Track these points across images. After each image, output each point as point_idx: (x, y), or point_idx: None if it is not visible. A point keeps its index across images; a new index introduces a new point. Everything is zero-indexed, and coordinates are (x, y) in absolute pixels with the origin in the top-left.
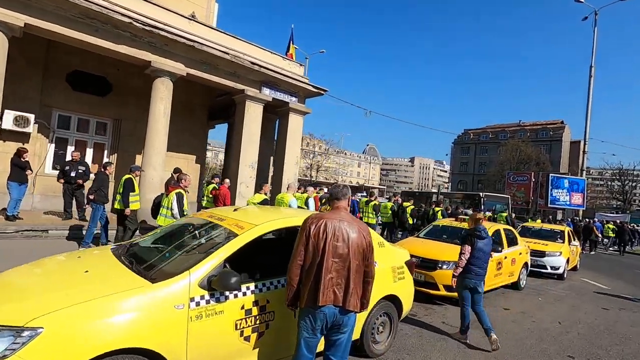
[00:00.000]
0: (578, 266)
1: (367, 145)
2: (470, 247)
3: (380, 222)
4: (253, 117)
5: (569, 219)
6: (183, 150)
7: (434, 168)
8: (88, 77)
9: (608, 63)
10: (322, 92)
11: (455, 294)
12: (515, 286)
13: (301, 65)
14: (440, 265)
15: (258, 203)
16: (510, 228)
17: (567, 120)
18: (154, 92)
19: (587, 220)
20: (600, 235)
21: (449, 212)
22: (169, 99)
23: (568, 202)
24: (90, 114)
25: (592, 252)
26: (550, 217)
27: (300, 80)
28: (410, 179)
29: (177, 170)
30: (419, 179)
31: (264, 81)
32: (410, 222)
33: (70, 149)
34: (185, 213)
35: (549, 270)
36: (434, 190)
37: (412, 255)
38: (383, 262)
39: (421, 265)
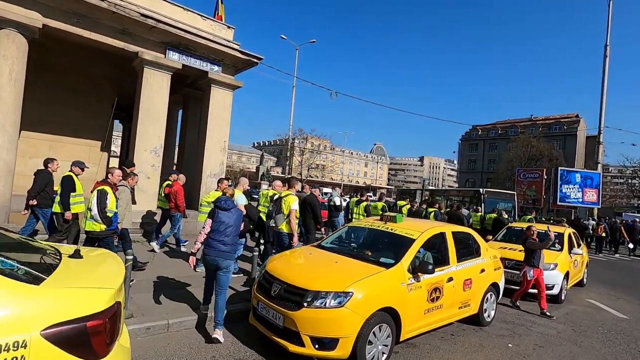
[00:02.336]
0: (585, 280)
1: (375, 144)
2: (211, 220)
3: None
4: (155, 88)
5: (604, 219)
6: (82, 134)
7: (444, 167)
8: None
9: (624, 43)
10: (253, 60)
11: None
12: (476, 321)
13: (230, 27)
14: (309, 299)
15: (212, 202)
16: (468, 231)
17: (583, 115)
18: None
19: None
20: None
21: (442, 210)
22: (19, 59)
23: (580, 199)
24: None
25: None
26: (572, 216)
27: (226, 45)
28: (420, 178)
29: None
30: (428, 178)
31: (171, 43)
32: None
33: None
34: (109, 214)
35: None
36: (426, 188)
37: (274, 278)
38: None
39: (283, 297)
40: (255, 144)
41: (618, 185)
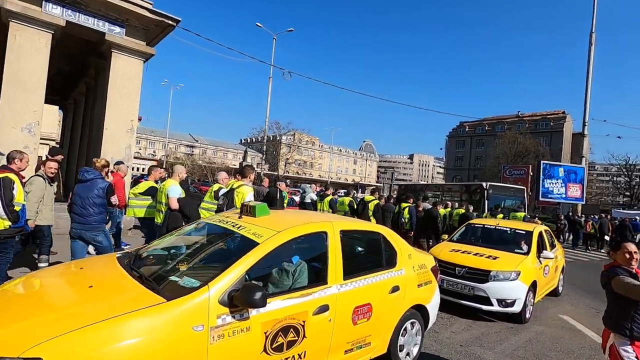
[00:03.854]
0: (561, 288)
1: (364, 141)
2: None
3: None
4: (27, 49)
5: (592, 216)
6: None
7: (434, 165)
8: None
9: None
10: (168, 22)
11: None
12: None
13: None
14: None
15: (140, 193)
16: (375, 229)
17: (570, 111)
18: None
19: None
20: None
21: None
22: None
23: (564, 195)
24: None
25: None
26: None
27: (130, 1)
28: (410, 176)
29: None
30: (418, 176)
31: None
32: (373, 222)
33: None
34: (17, 208)
35: (496, 308)
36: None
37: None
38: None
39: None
40: (243, 141)
41: (604, 183)
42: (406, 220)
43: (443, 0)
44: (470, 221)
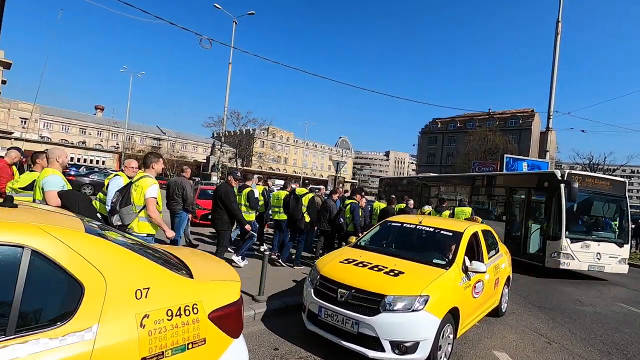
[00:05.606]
0: (504, 306)
1: (340, 137)
2: None
3: (271, 219)
4: None
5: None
6: None
7: (410, 162)
8: None
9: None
10: None
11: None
12: None
13: None
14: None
15: (22, 188)
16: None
17: (539, 110)
18: None
19: None
20: None
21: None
22: None
23: None
24: None
25: None
26: None
27: None
28: (386, 173)
29: None
30: (394, 173)
31: None
32: (307, 219)
33: None
34: None
35: (388, 355)
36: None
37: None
38: None
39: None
40: (215, 134)
41: None
42: (348, 220)
43: None
44: (388, 219)
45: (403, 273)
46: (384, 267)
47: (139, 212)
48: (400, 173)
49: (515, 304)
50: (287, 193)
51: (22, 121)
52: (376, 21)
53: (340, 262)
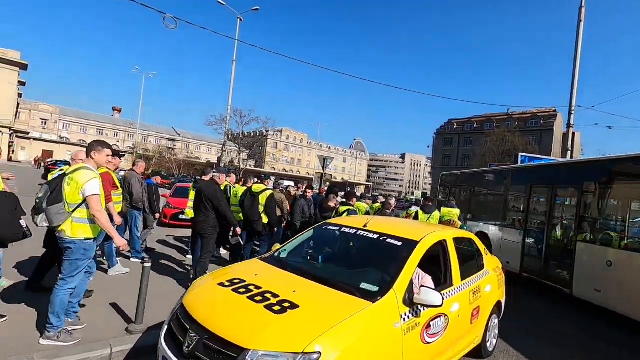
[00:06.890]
0: (494, 342)
1: (355, 139)
2: None
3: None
4: None
5: None
6: None
7: (426, 165)
8: None
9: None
10: None
11: None
12: None
13: None
14: None
15: None
16: None
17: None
18: None
19: None
20: None
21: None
22: None
23: None
24: None
25: None
26: None
27: None
28: (401, 175)
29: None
30: (409, 175)
31: None
32: (265, 220)
33: None
34: None
35: None
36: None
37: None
38: None
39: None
40: (230, 136)
41: None
42: None
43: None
44: (327, 221)
45: (297, 307)
46: (275, 294)
47: (72, 211)
48: (416, 176)
49: (513, 336)
50: (245, 189)
51: (42, 122)
52: (386, 23)
53: (219, 283)
